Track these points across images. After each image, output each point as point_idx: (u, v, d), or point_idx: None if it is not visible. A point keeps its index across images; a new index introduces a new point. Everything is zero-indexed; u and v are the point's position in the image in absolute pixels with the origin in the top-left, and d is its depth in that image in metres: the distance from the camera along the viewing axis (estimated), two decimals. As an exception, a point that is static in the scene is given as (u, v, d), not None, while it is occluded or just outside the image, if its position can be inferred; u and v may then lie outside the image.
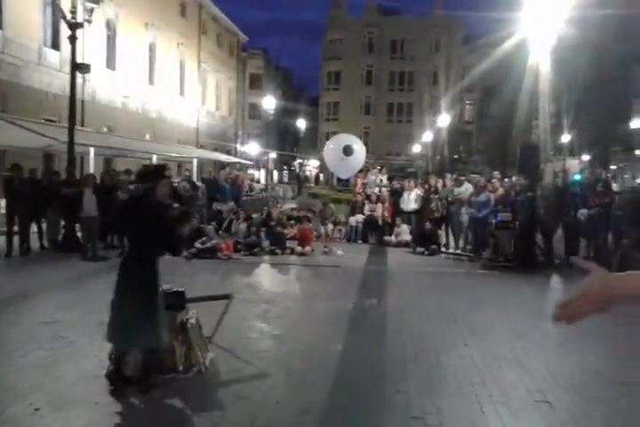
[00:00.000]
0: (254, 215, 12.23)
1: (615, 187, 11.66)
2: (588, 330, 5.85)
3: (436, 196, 12.64)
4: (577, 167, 26.96)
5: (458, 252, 11.67)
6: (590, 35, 27.56)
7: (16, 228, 10.12)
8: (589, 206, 10.05)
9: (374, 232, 13.17)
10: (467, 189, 11.94)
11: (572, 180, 14.61)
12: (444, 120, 36.78)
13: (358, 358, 4.96)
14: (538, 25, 11.14)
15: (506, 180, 11.89)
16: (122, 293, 4.00)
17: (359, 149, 12.49)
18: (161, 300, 4.11)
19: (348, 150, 11.92)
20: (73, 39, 11.67)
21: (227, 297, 4.96)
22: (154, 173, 4.16)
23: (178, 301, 4.54)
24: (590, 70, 33.98)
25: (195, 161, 23.15)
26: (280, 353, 5.07)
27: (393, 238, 12.88)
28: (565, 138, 34.30)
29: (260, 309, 6.61)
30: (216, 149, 33.61)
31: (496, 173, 12.71)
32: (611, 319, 6.14)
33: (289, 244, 11.36)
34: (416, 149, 47.68)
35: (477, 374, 4.57)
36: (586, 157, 35.90)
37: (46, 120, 17.56)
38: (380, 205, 13.55)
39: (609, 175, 16.96)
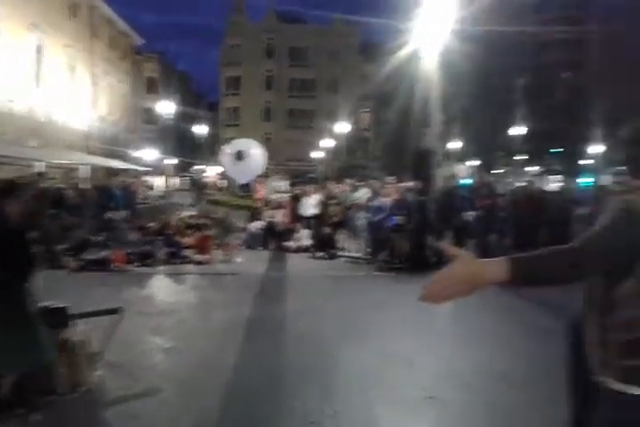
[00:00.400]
0: (150, 224, 11.81)
1: (499, 190, 12.46)
2: (478, 329, 6.23)
3: (335, 201, 12.87)
4: (465, 172, 28.61)
5: (356, 255, 11.93)
6: (474, 47, 29.43)
7: None
8: (476, 209, 10.68)
9: (274, 238, 13.16)
10: (364, 194, 12.27)
11: (461, 184, 15.49)
12: (343, 127, 37.69)
13: (255, 366, 4.90)
14: (427, 36, 11.72)
15: (402, 184, 12.34)
16: None
17: (257, 153, 12.39)
18: (36, 319, 3.81)
19: (240, 155, 11.82)
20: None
21: (115, 311, 4.72)
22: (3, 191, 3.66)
23: (59, 318, 4.27)
24: (476, 81, 36.29)
25: (86, 167, 22.01)
26: (173, 367, 4.91)
27: (293, 244, 12.94)
28: (455, 144, 36.38)
29: (154, 321, 6.37)
30: (108, 155, 32.14)
31: (390, 179, 13.15)
32: (500, 319, 6.57)
33: (187, 252, 11.07)
34: (317, 155, 48.39)
35: (372, 374, 4.67)
36: (473, 163, 38.23)
37: None
38: (280, 210, 13.58)
39: (493, 179, 18.10)
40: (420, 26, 11.75)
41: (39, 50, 26.00)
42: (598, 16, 42.84)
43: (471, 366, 4.92)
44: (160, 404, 4.04)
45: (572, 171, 34.89)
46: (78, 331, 4.38)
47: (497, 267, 1.48)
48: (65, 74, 29.20)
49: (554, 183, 28.17)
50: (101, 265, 9.66)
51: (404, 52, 21.32)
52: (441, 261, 10.81)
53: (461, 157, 37.13)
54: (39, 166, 18.05)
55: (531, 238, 9.74)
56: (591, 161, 35.06)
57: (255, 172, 12.50)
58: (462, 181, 13.92)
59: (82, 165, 21.97)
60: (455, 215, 10.92)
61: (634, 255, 1.51)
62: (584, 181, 28.53)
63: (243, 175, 11.95)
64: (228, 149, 12.63)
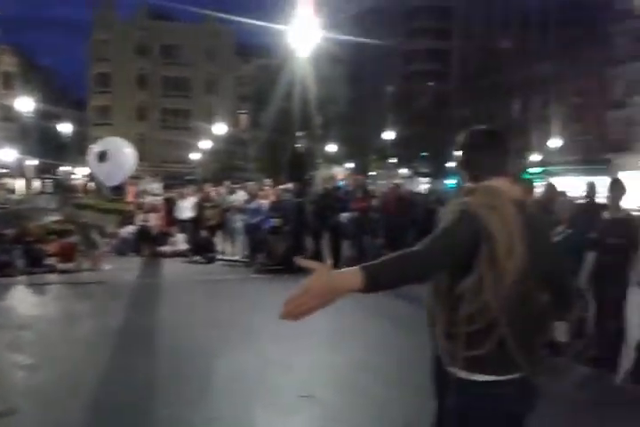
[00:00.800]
0: (7, 231, 10.80)
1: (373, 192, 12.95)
2: (350, 328, 6.42)
3: (211, 203, 12.62)
4: (342, 174, 29.44)
5: (234, 258, 11.82)
6: (346, 52, 30.47)
7: None
8: (351, 210, 11.01)
9: (148, 243, 12.64)
10: (241, 196, 12.18)
11: (337, 186, 15.90)
12: (221, 128, 37.21)
13: (124, 379, 4.66)
14: (299, 39, 11.86)
15: (280, 187, 12.41)
16: None
17: (127, 153, 11.76)
18: None
19: (102, 156, 11.14)
20: None
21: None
22: None
23: None
24: (350, 85, 37.55)
25: None
26: (33, 384, 4.53)
27: (168, 249, 12.52)
28: (332, 147, 37.37)
29: (11, 335, 5.85)
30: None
31: (267, 181, 13.20)
32: (368, 316, 6.82)
33: (50, 261, 10.28)
34: (195, 156, 47.30)
35: (249, 378, 4.64)
36: (349, 165, 39.55)
37: None
38: (153, 214, 13.07)
39: (368, 181, 18.81)
40: (294, 28, 11.84)
41: None
42: (461, 29, 46.27)
43: (347, 364, 5.06)
44: (17, 422, 3.73)
45: (439, 173, 37.35)
46: None
47: (352, 276, 1.54)
48: None
49: (422, 185, 29.98)
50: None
51: (279, 54, 21.54)
52: (317, 261, 11.06)
53: (338, 159, 38.24)
54: None
55: (401, 238, 10.27)
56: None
57: (124, 173, 11.85)
58: (340, 183, 14.27)
59: None
60: (331, 216, 11.19)
61: (472, 253, 1.63)
62: (450, 182, 30.68)
63: (111, 177, 11.26)
64: (95, 149, 11.88)
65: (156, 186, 15.78)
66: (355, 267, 1.56)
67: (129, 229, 12.77)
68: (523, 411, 1.77)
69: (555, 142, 33.86)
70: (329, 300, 1.55)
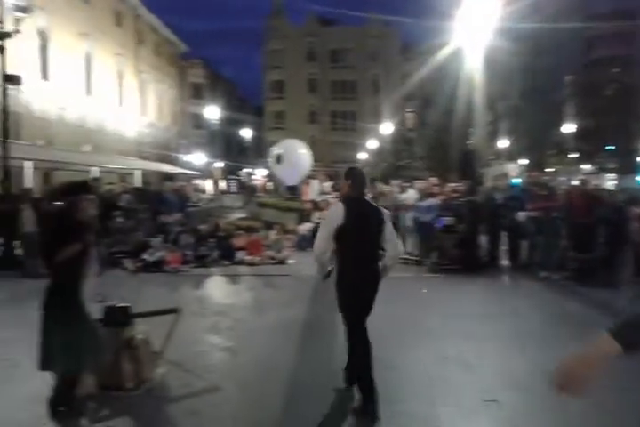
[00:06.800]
0: (201, 226, 12.04)
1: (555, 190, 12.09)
2: (532, 331, 6.11)
3: (384, 202, 12.71)
4: (515, 171, 28.00)
5: (405, 256, 11.83)
6: (519, 45, 28.80)
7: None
8: (529, 209, 10.40)
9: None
10: (411, 194, 12.16)
11: (511, 183, 15.16)
12: (387, 128, 37.50)
13: (312, 367, 4.94)
14: (469, 35, 11.53)
15: (450, 185, 12.17)
16: (47, 318, 3.83)
17: (301, 155, 12.42)
18: (90, 320, 3.95)
19: (278, 158, 11.89)
20: (1, 50, 11.23)
21: (174, 311, 4.86)
22: (72, 190, 3.92)
23: (122, 317, 4.42)
24: (523, 79, 35.45)
25: (137, 173, 22.66)
26: (232, 366, 5.00)
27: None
28: (503, 143, 35.59)
29: (210, 321, 6.51)
30: (159, 160, 32.96)
31: (433, 180, 12.97)
32: (556, 322, 6.43)
33: (238, 254, 11.24)
34: (362, 156, 48.28)
35: (428, 376, 4.65)
36: (523, 162, 37.29)
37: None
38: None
39: (546, 178, 17.64)
40: (463, 24, 11.56)
41: (88, 58, 26.93)
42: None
43: (529, 369, 4.82)
44: (220, 402, 4.12)
45: (628, 169, 33.61)
46: (139, 330, 4.52)
47: (603, 344, 1.61)
48: (114, 81, 30.14)
49: (609, 182, 27.21)
50: (158, 266, 9.93)
51: (446, 51, 21.08)
52: (494, 263, 10.66)
53: (511, 155, 36.34)
54: (94, 172, 18.70)
55: (587, 239, 9.47)
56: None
57: (300, 173, 12.53)
58: (514, 181, 13.60)
59: (134, 169, 22.62)
60: (507, 215, 10.71)
61: None
62: (640, 179, 27.50)
63: (288, 177, 11.99)
64: (273, 151, 12.74)
65: (327, 185, 16.40)
66: (600, 335, 1.61)
67: (306, 227, 13.44)
68: None
69: None
70: (591, 373, 1.60)
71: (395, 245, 4.25)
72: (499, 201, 10.91)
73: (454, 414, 3.94)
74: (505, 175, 17.62)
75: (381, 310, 6.97)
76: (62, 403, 3.82)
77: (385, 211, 4.27)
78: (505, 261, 10.77)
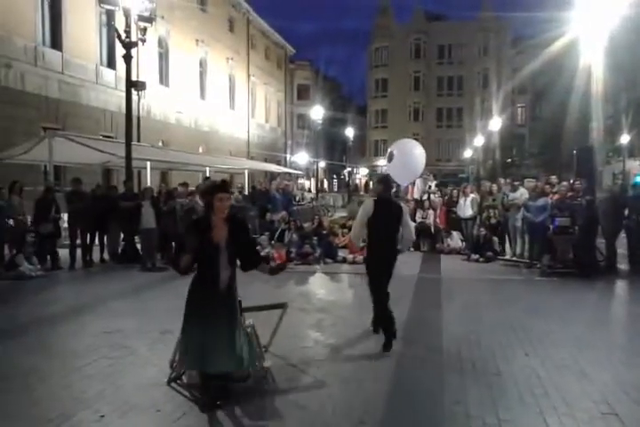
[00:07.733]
0: (305, 224, 12.29)
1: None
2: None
3: (493, 201, 12.25)
4: (638, 169, 25.85)
5: (514, 258, 11.36)
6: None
7: (79, 241, 10.54)
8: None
9: (427, 239, 12.99)
10: (522, 194, 11.60)
11: (634, 182, 14.02)
12: (496, 124, 36.10)
13: (415, 367, 4.88)
14: (590, 24, 10.83)
15: (564, 183, 11.48)
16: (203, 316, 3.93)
17: (413, 154, 12.26)
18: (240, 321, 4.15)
19: (389, 157, 11.82)
20: (128, 58, 12.08)
21: (281, 306, 5.00)
22: (212, 189, 4.05)
23: (235, 310, 4.60)
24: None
25: (246, 172, 23.57)
26: (335, 362, 5.05)
27: (446, 245, 12.69)
28: (624, 139, 32.95)
29: (314, 318, 6.63)
30: (266, 160, 34.10)
31: (553, 178, 12.33)
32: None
33: (340, 252, 11.35)
34: (467, 154, 46.92)
35: (539, 384, 4.43)
36: (647, 158, 34.30)
37: (104, 137, 18.31)
38: (431, 211, 13.36)
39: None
40: (582, 14, 10.88)
41: (202, 63, 28.36)
42: None
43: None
44: (326, 398, 4.17)
45: None
46: (247, 324, 4.69)
47: None
48: (225, 85, 31.53)
49: None
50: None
51: (561, 43, 19.90)
52: (613, 267, 9.93)
53: (633, 152, 33.58)
54: (207, 172, 19.71)
55: None
56: None
57: (412, 173, 12.39)
58: (636, 179, 12.57)
59: (244, 169, 23.55)
60: (628, 217, 9.94)
61: None
62: None
63: (401, 177, 11.88)
64: (391, 151, 12.69)
65: (432, 184, 16.08)
66: None
67: (409, 226, 13.27)
68: None
69: None
70: None
71: (409, 231, 5.74)
72: (630, 200, 10.13)
73: (567, 425, 3.72)
74: (625, 173, 16.28)
75: (491, 314, 6.80)
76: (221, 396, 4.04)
77: (405, 207, 5.81)
78: (623, 265, 10.02)
